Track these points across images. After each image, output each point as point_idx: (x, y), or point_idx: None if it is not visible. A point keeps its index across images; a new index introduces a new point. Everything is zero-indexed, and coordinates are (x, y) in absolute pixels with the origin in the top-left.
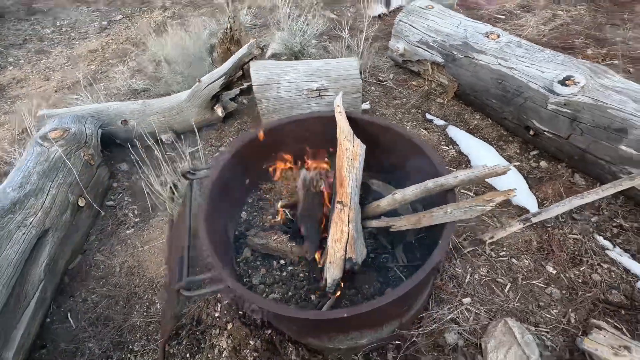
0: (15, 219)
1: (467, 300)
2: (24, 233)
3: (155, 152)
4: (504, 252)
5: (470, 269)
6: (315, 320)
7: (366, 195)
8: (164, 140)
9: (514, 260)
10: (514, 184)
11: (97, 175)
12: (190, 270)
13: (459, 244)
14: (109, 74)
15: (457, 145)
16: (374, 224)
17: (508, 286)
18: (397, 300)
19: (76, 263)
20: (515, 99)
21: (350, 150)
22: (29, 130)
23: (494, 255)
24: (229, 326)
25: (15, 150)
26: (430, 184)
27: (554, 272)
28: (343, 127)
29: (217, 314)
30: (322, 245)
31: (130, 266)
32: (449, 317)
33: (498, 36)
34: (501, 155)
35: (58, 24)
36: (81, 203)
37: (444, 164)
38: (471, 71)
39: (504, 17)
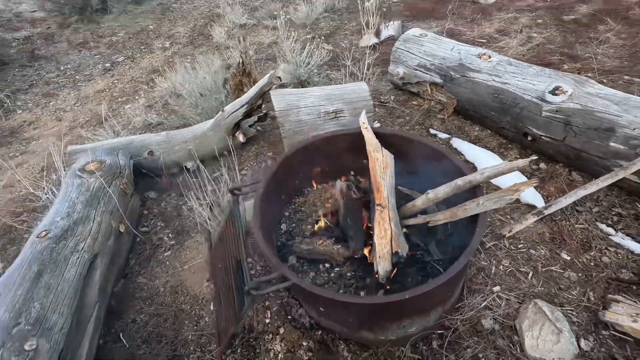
0: (69, 245)
1: (496, 288)
2: (78, 257)
3: (180, 178)
4: (522, 245)
5: (495, 262)
6: (380, 305)
7: (399, 199)
8: (188, 167)
9: (532, 251)
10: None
11: (132, 203)
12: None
13: (482, 239)
14: (120, 111)
15: (462, 154)
16: (412, 221)
17: (530, 274)
18: (447, 283)
19: (120, 286)
20: (512, 109)
21: (381, 160)
22: (57, 166)
23: (513, 248)
24: (281, 330)
25: (44, 186)
26: (459, 181)
27: (568, 258)
28: (371, 140)
29: (267, 321)
30: (366, 244)
31: (173, 285)
32: (483, 304)
33: (489, 57)
34: (503, 160)
35: (62, 68)
36: (121, 229)
37: (468, 166)
38: (469, 88)
39: (485, 41)
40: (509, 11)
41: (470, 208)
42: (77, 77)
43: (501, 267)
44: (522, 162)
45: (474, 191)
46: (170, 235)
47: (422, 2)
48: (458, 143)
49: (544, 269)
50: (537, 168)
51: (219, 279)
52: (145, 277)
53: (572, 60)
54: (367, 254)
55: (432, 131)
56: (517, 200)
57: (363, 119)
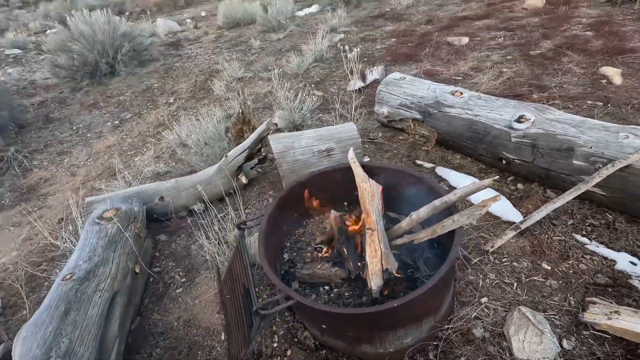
0: (91, 285)
1: (484, 299)
2: (100, 296)
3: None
4: (506, 259)
5: (481, 275)
6: (372, 314)
7: (387, 223)
8: (195, 210)
9: (515, 263)
10: (500, 204)
11: (145, 246)
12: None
13: (468, 255)
14: (130, 163)
15: (446, 181)
16: (400, 241)
17: (515, 285)
18: (434, 289)
19: (136, 323)
20: (485, 138)
21: (369, 189)
22: (74, 216)
23: (498, 262)
24: (288, 352)
25: (62, 236)
26: (437, 202)
27: (549, 268)
28: (359, 172)
29: (275, 345)
30: (360, 264)
31: (185, 320)
32: (473, 315)
33: (461, 93)
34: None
35: (74, 128)
36: (137, 270)
37: (443, 188)
38: (446, 122)
39: (461, 78)
40: (480, 50)
41: (447, 225)
42: (88, 135)
43: (488, 280)
44: (487, 181)
45: (450, 210)
46: (181, 273)
47: (402, 47)
48: (442, 171)
49: (527, 279)
50: (515, 188)
51: (229, 308)
52: (160, 313)
53: (540, 90)
54: (361, 273)
55: (418, 162)
56: (499, 219)
57: (351, 155)
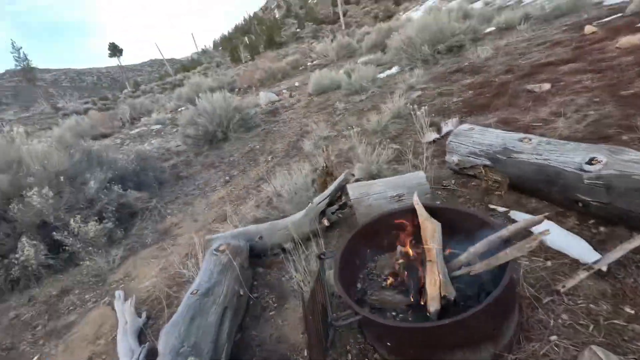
0: (210, 300)
1: (554, 337)
2: (215, 309)
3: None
4: (581, 301)
5: (552, 315)
6: (425, 329)
7: (448, 257)
8: (286, 247)
9: (592, 305)
10: (576, 246)
11: (247, 275)
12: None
13: (537, 295)
14: (237, 210)
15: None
16: (458, 273)
17: (591, 327)
18: (484, 312)
19: (239, 336)
20: (557, 181)
21: (430, 227)
22: (199, 250)
23: (572, 303)
24: None
25: (188, 266)
26: (491, 237)
27: (633, 312)
28: (421, 212)
29: None
30: (422, 292)
31: (277, 336)
32: (541, 352)
33: (530, 140)
34: (562, 227)
35: (196, 184)
36: (241, 292)
37: (498, 223)
38: (516, 167)
39: (540, 124)
40: (564, 95)
41: (501, 257)
42: (206, 189)
43: (560, 320)
44: (537, 218)
45: (504, 244)
46: (273, 299)
47: (478, 98)
48: (516, 215)
49: (606, 322)
50: (597, 232)
51: (311, 328)
52: (256, 330)
53: (631, 131)
54: (422, 300)
55: (491, 206)
56: (577, 262)
57: (415, 198)
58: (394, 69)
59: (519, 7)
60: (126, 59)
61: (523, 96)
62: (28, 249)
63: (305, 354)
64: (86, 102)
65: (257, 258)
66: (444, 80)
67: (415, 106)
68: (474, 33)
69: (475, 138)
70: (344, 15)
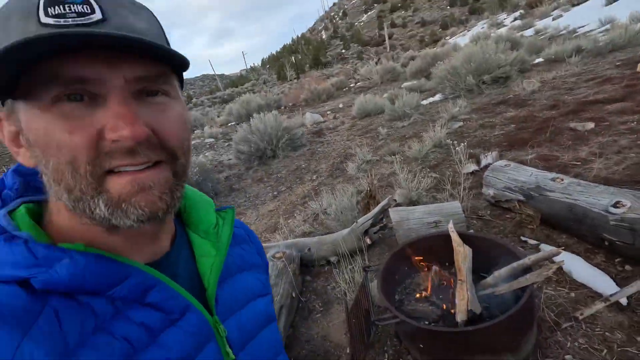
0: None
1: (568, 357)
2: (274, 306)
3: (325, 268)
4: (599, 329)
5: (570, 338)
6: (451, 333)
7: (476, 279)
8: (331, 260)
9: (607, 333)
10: (600, 281)
11: (298, 281)
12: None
13: (557, 320)
14: (285, 224)
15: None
16: (484, 292)
17: (605, 351)
18: (505, 324)
19: (290, 332)
20: (584, 220)
21: (462, 252)
22: None
23: (589, 330)
24: None
25: None
26: (515, 264)
27: None
28: (456, 239)
29: None
30: (452, 305)
31: (322, 335)
32: None
33: (562, 179)
34: (589, 262)
35: (247, 196)
36: (293, 295)
37: (522, 252)
38: (547, 205)
39: (579, 163)
40: (607, 135)
41: (522, 281)
42: (256, 202)
43: (576, 343)
44: (555, 250)
45: (526, 271)
46: (320, 304)
47: (520, 133)
48: (546, 248)
49: (619, 349)
50: (622, 269)
51: (354, 329)
52: (305, 328)
53: None
54: (451, 312)
55: (523, 238)
56: (600, 296)
57: (450, 225)
58: (437, 97)
59: (572, 38)
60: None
61: (565, 134)
62: None
63: (348, 351)
64: None
65: (305, 267)
66: (487, 112)
67: (455, 142)
68: (521, 64)
69: (510, 174)
70: (390, 37)
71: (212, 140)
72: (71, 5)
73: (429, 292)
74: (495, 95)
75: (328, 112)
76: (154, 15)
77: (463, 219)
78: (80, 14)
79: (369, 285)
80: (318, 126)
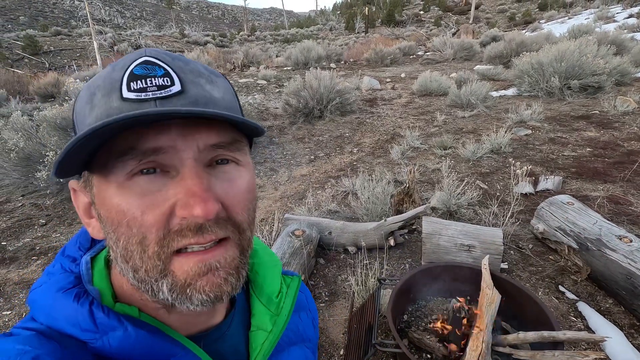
0: None
1: None
2: None
3: (342, 256)
4: None
5: None
6: None
7: (496, 329)
8: (349, 250)
9: None
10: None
11: (311, 263)
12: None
13: None
14: (314, 194)
15: (585, 320)
16: (501, 349)
17: None
18: None
19: None
20: None
21: (490, 296)
22: (275, 223)
23: None
24: None
25: (263, 232)
26: (545, 334)
27: None
28: (486, 279)
29: None
30: (461, 350)
31: (321, 327)
32: None
33: (631, 241)
34: (631, 342)
35: (284, 153)
36: (302, 277)
37: (559, 323)
38: (602, 262)
39: None
40: None
41: (547, 356)
42: (292, 161)
43: None
44: (599, 337)
45: (555, 345)
46: (326, 292)
47: (595, 161)
48: (584, 308)
49: None
50: None
51: (352, 335)
52: None
53: None
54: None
55: (561, 288)
56: None
57: (485, 262)
58: (511, 91)
59: None
60: (251, 2)
61: None
62: None
63: (341, 352)
64: (207, 35)
65: (321, 249)
66: (562, 124)
67: (516, 153)
68: (620, 75)
69: (569, 215)
70: (477, 8)
71: (264, 82)
72: (152, 79)
73: (440, 325)
74: (578, 106)
75: (387, 80)
76: (228, 82)
77: (500, 251)
78: (161, 87)
79: (380, 295)
80: (373, 94)
